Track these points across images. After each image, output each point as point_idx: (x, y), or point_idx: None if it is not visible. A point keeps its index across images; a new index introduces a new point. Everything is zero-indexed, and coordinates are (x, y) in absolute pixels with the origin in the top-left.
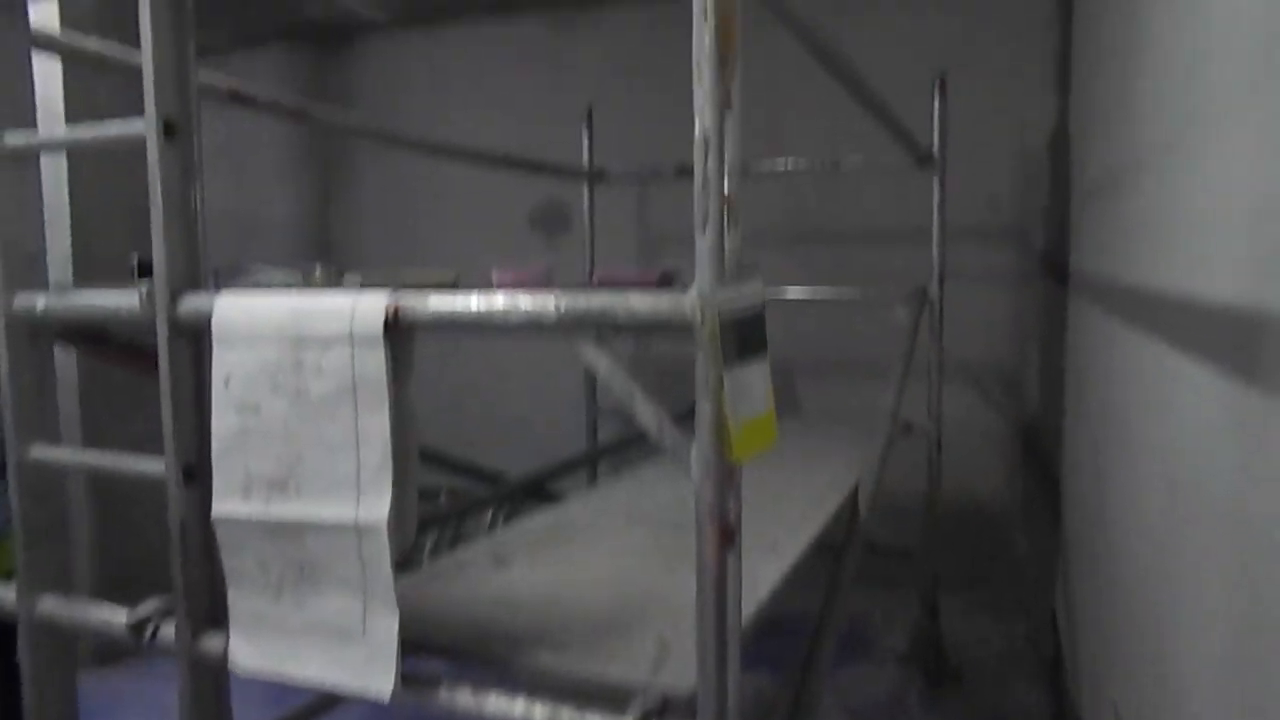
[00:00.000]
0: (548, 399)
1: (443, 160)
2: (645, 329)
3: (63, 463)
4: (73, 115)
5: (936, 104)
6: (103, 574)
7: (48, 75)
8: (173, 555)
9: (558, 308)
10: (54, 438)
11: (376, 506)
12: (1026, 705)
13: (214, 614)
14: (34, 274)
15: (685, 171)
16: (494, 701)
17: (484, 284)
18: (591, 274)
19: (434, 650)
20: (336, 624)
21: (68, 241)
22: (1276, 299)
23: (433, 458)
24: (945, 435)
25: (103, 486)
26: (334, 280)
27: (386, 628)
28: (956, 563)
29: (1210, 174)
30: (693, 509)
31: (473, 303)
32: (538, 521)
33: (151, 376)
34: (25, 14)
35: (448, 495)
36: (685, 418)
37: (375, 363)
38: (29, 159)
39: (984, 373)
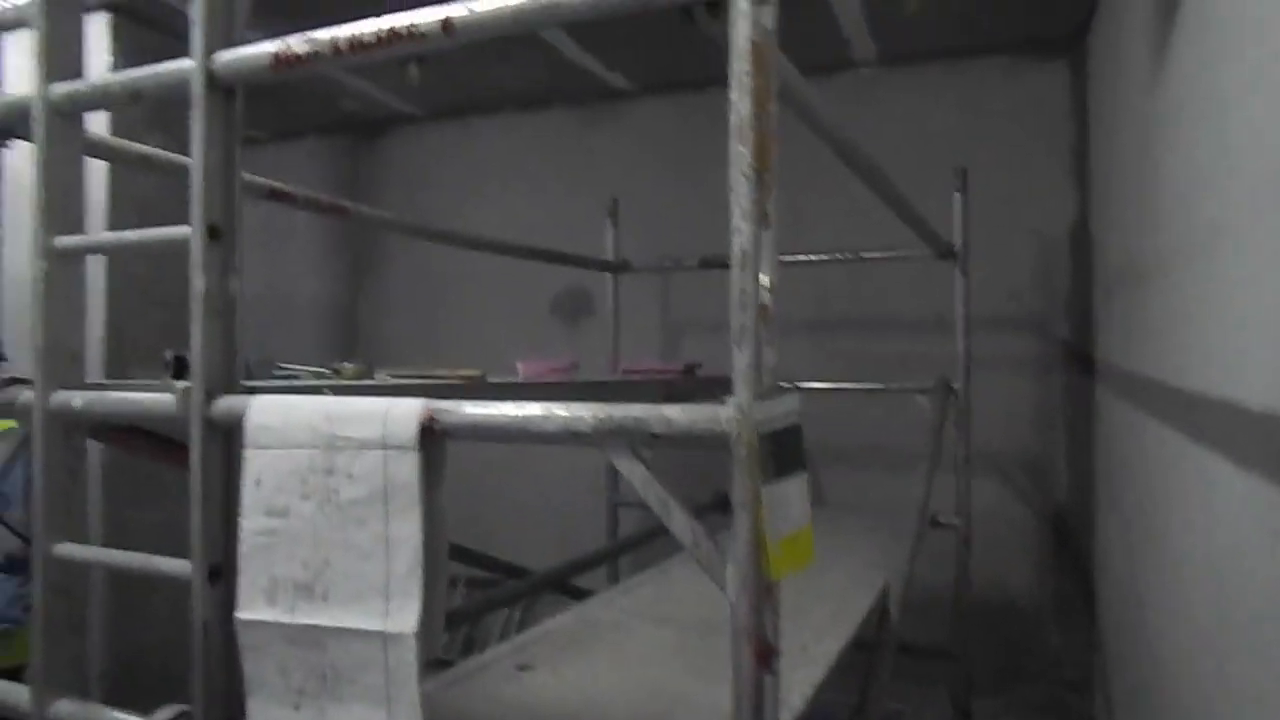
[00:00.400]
0: (566, 488)
1: (470, 250)
2: (681, 443)
3: (89, 560)
4: (116, 209)
5: (958, 198)
6: (113, 663)
7: (92, 174)
8: (193, 659)
9: (594, 417)
10: (80, 534)
11: (405, 615)
12: None
13: None
14: (75, 372)
15: (708, 263)
16: None
17: (509, 375)
18: (615, 364)
19: None
20: None
21: (100, 333)
22: None
23: (451, 548)
24: (972, 527)
25: (119, 577)
26: (365, 376)
27: None
28: (987, 660)
29: (1236, 280)
30: (722, 609)
31: (508, 411)
32: (561, 622)
33: (178, 468)
34: (80, 124)
35: (466, 585)
36: (710, 509)
37: (408, 469)
38: (78, 259)
39: (1009, 463)
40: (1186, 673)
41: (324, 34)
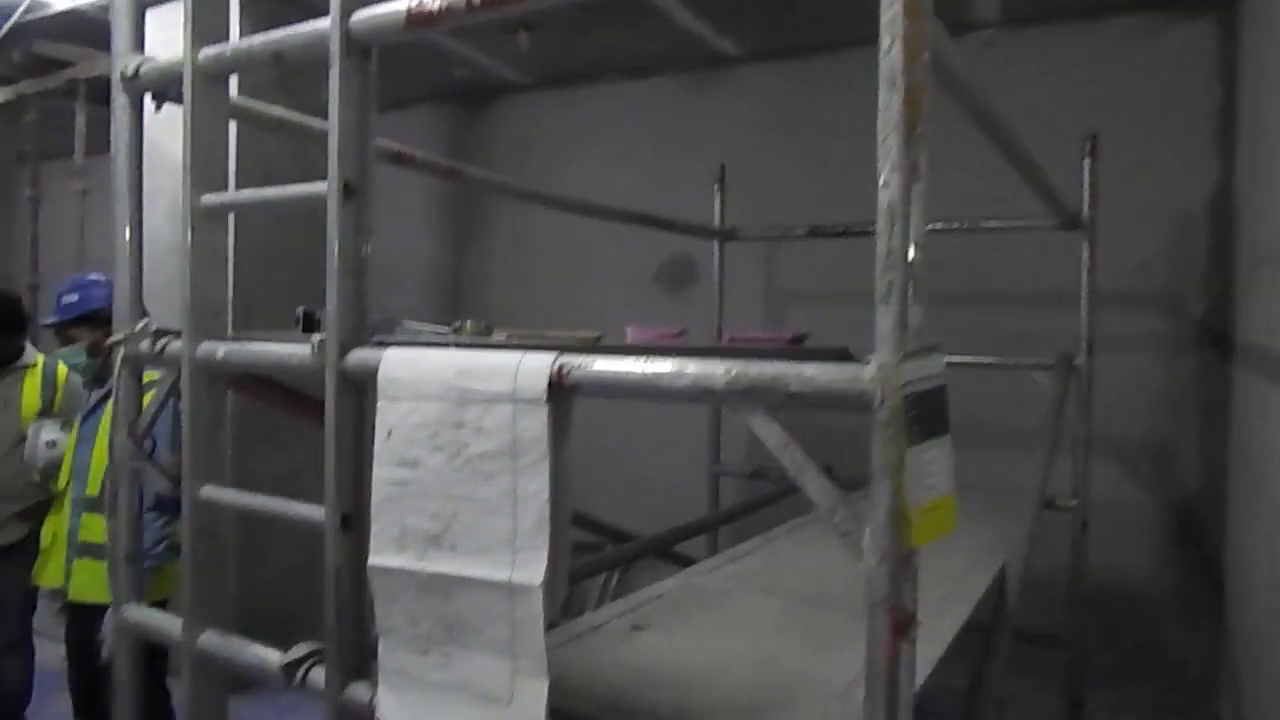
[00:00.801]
0: (666, 457)
1: (573, 216)
2: (819, 402)
3: (231, 503)
4: (242, 173)
5: (1087, 164)
6: (237, 604)
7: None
8: (326, 601)
9: (727, 375)
10: (222, 478)
11: (532, 568)
12: None
13: (360, 662)
14: (218, 325)
15: (817, 232)
16: None
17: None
18: (720, 333)
19: (564, 718)
20: (483, 685)
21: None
22: None
23: None
24: (1089, 512)
25: (243, 523)
26: (484, 334)
27: (535, 693)
28: (1102, 652)
29: None
30: (831, 581)
31: (639, 366)
32: (670, 586)
33: (308, 421)
34: (225, 87)
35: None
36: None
37: (537, 424)
38: (221, 218)
39: (1132, 447)
40: None
41: None
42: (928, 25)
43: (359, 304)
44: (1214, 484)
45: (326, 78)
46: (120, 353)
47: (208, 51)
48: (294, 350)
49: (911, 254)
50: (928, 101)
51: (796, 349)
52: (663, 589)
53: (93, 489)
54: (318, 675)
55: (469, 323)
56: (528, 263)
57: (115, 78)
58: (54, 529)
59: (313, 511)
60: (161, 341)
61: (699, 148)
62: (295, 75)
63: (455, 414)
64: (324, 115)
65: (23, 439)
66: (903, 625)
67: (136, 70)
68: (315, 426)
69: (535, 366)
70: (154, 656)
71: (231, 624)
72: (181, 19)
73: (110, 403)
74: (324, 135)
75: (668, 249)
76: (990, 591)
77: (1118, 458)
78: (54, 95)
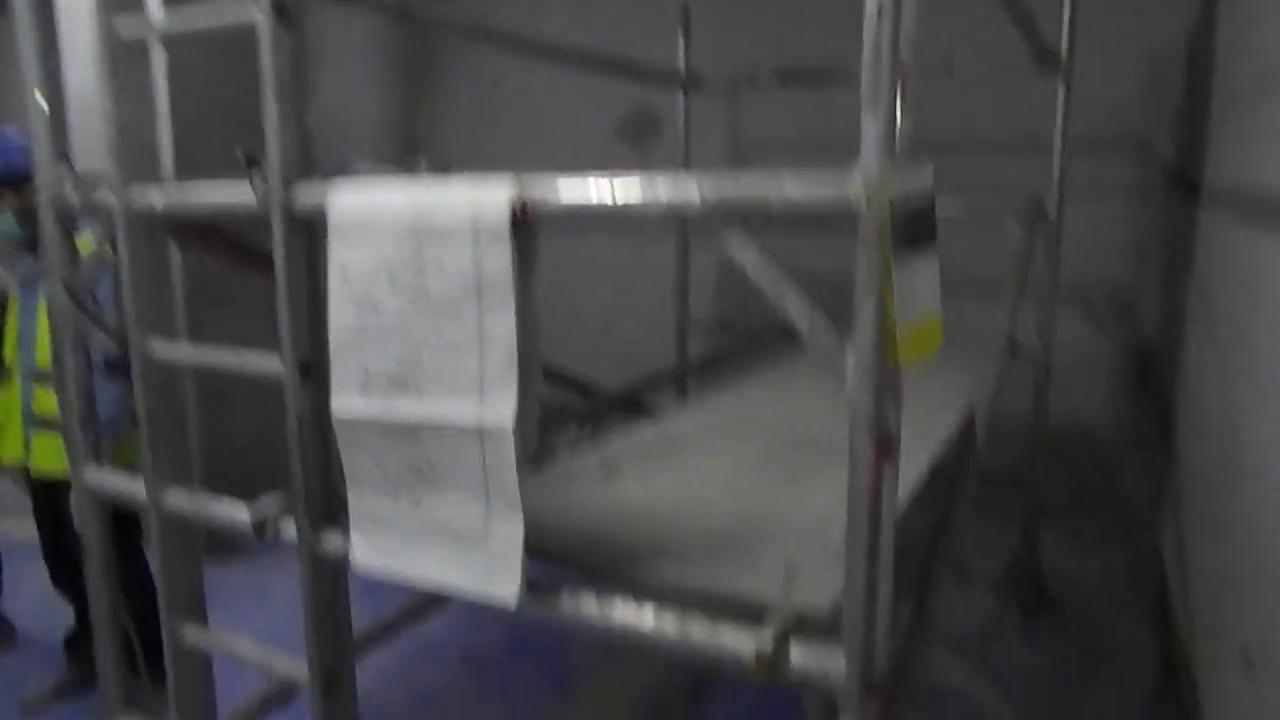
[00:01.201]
0: (634, 312)
1: (531, 64)
2: (801, 218)
3: (183, 360)
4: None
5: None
6: (202, 461)
7: None
8: (291, 452)
9: (702, 194)
10: (171, 333)
11: (501, 408)
12: (1127, 638)
13: (331, 512)
14: (149, 166)
15: (787, 77)
16: (621, 611)
17: None
18: None
19: (551, 559)
20: (457, 527)
21: (168, 137)
22: None
23: None
24: (1053, 359)
25: (203, 382)
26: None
27: (510, 533)
28: (1057, 491)
29: None
30: (804, 425)
31: (607, 191)
32: (643, 434)
33: (259, 274)
34: None
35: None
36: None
37: (501, 259)
38: (141, 49)
39: (1096, 294)
40: None
41: None
42: None
43: (302, 138)
44: (1172, 329)
45: None
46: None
47: None
48: (236, 191)
49: (902, 53)
50: None
51: None
52: (636, 436)
53: (42, 360)
54: (289, 528)
55: (423, 161)
56: (486, 118)
57: None
58: (5, 403)
59: (269, 362)
60: (88, 188)
61: None
62: None
63: (414, 253)
64: None
65: None
66: (886, 447)
67: None
68: (269, 281)
69: (497, 199)
70: (125, 524)
71: (196, 482)
72: None
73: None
74: None
75: (632, 99)
76: (959, 432)
77: (1083, 304)
78: None
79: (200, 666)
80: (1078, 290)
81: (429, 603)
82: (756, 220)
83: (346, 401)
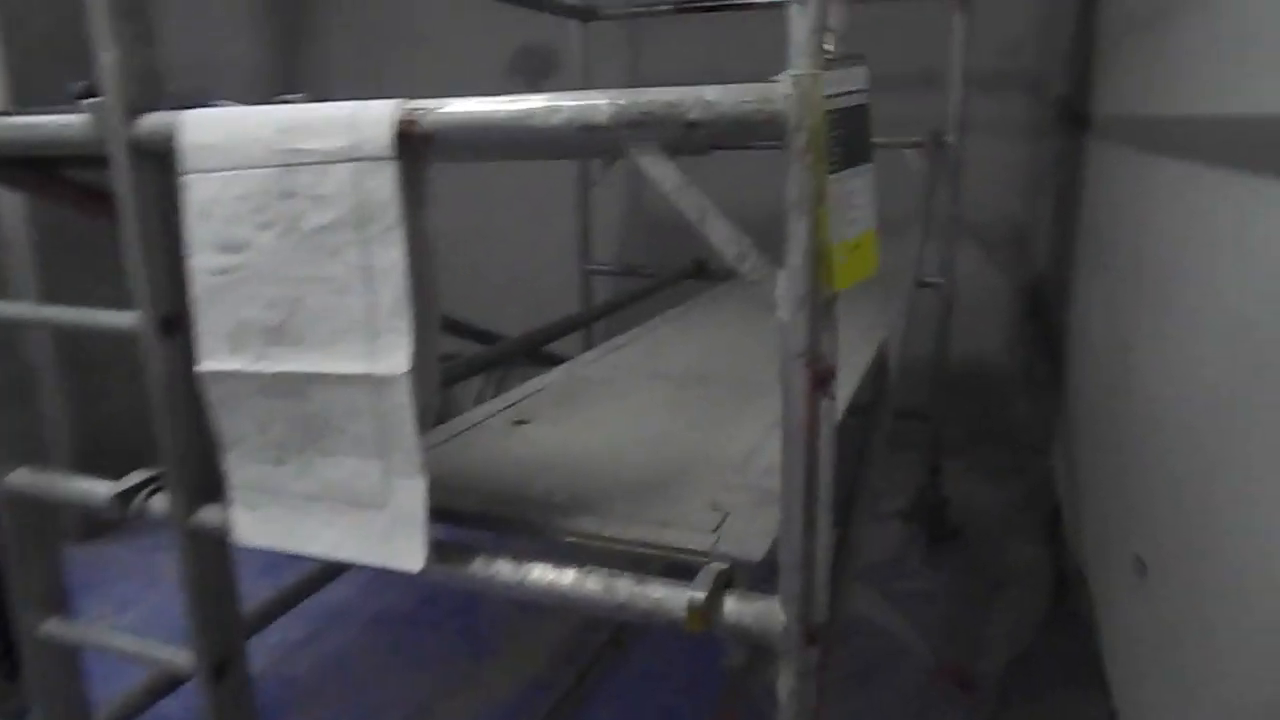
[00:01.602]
0: (537, 258)
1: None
2: (725, 130)
3: (17, 318)
4: None
5: None
6: (78, 438)
7: None
8: (158, 419)
9: (612, 105)
10: (5, 293)
11: (394, 355)
12: (1025, 559)
13: (209, 482)
14: None
15: (686, 7)
16: (539, 573)
17: None
18: None
19: (459, 518)
20: (352, 490)
21: None
22: None
23: None
24: (954, 294)
25: (77, 356)
26: None
27: (412, 492)
28: (956, 424)
29: None
30: (720, 363)
31: (504, 106)
32: (551, 378)
33: (111, 219)
34: None
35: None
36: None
37: (386, 184)
38: None
39: (991, 230)
40: (1184, 433)
41: None
42: None
43: (148, 58)
44: (1062, 262)
45: None
46: None
47: None
48: (70, 121)
49: None
50: None
51: None
52: (544, 382)
53: None
54: (160, 503)
55: (293, 95)
56: (373, 61)
57: None
58: None
59: (123, 318)
60: None
61: None
62: None
63: (284, 181)
64: None
65: None
66: (822, 379)
67: None
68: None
69: (377, 115)
70: None
71: (51, 460)
72: None
73: None
74: None
75: (525, 37)
76: (874, 364)
77: (980, 240)
78: None
79: (66, 661)
80: (977, 226)
81: (334, 568)
82: (673, 140)
83: (216, 358)
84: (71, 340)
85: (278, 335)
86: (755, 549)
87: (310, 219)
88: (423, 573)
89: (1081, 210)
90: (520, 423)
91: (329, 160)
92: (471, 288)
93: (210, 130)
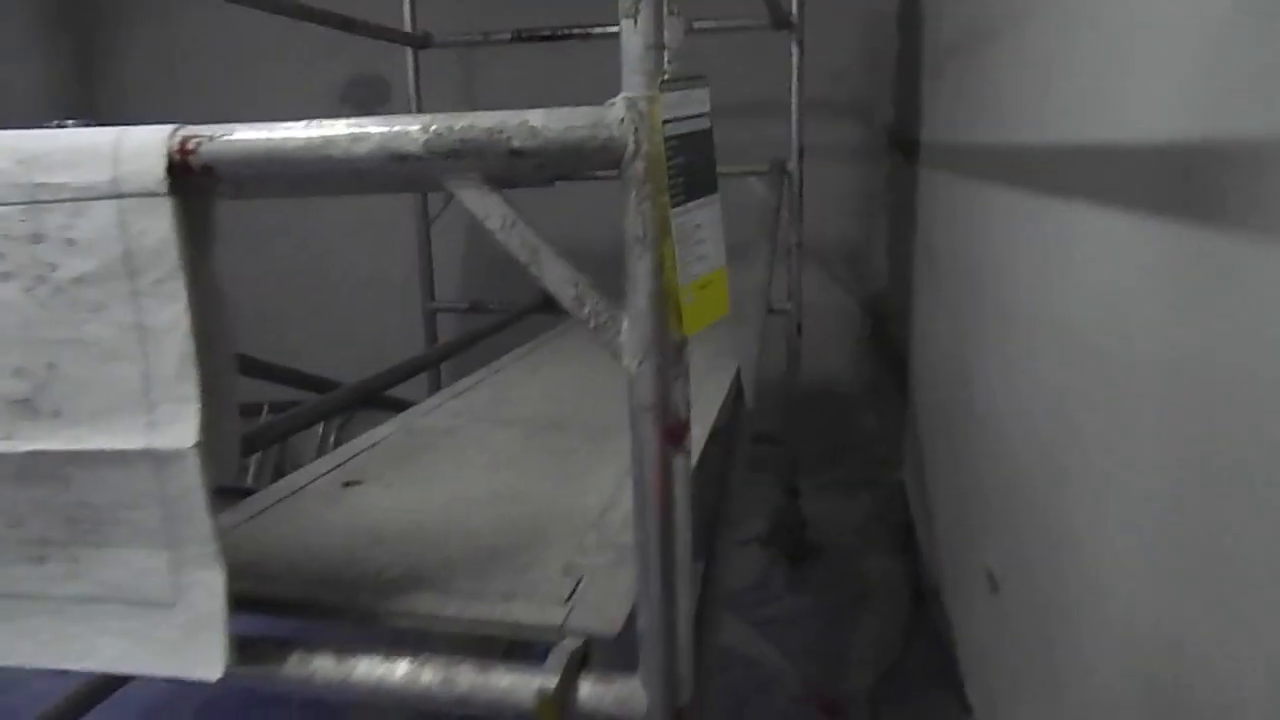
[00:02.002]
0: (378, 300)
1: (236, 29)
2: (554, 159)
3: None
4: None
5: None
6: None
7: None
8: None
9: (426, 131)
10: None
11: (179, 426)
12: (882, 573)
13: None
14: None
15: (521, 37)
16: (366, 667)
17: None
18: None
19: (276, 607)
20: (135, 589)
21: None
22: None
23: (244, 362)
24: (802, 316)
25: None
26: None
27: (208, 586)
28: (808, 443)
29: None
30: (570, 406)
31: (300, 134)
32: (387, 431)
33: None
34: None
35: (270, 410)
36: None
37: (159, 225)
38: None
39: (832, 252)
40: (1016, 413)
41: None
42: None
43: None
44: (901, 281)
45: None
46: None
47: None
48: None
49: None
50: None
51: None
52: (377, 436)
53: None
54: None
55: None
56: (182, 85)
57: None
58: None
59: None
60: None
61: None
62: None
63: (28, 223)
64: None
65: None
66: (675, 433)
67: None
68: None
69: (143, 143)
70: None
71: None
72: None
73: None
74: None
75: (355, 67)
76: (730, 393)
77: (823, 262)
78: None
79: None
80: (819, 249)
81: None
82: (497, 171)
83: None
84: None
85: (30, 409)
86: (613, 619)
87: (65, 269)
88: (225, 679)
89: (916, 231)
90: (351, 484)
91: (84, 197)
92: (307, 331)
93: None
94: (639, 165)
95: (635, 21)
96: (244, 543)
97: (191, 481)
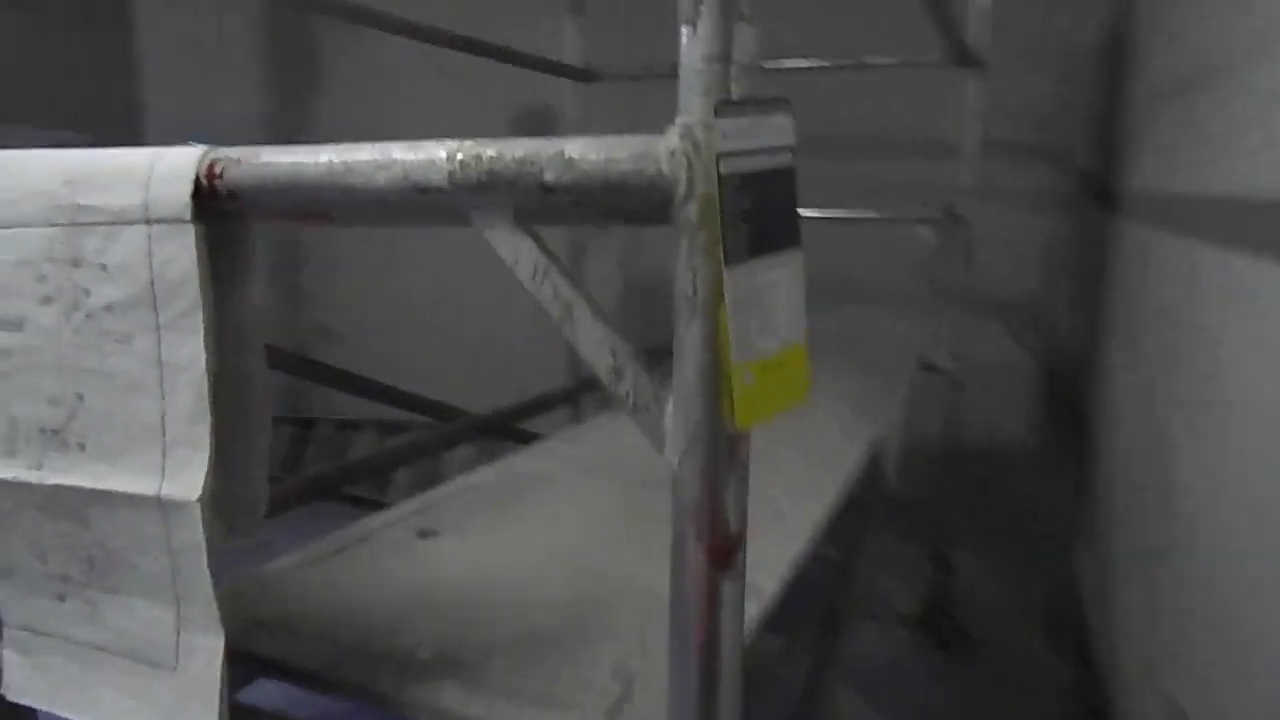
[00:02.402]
0: (518, 320)
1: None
2: (592, 196)
3: None
4: None
5: None
6: None
7: None
8: None
9: (453, 159)
10: None
11: (187, 474)
12: (1042, 676)
13: None
14: None
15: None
16: None
17: None
18: None
19: (292, 674)
20: (143, 644)
21: None
22: None
23: (364, 388)
24: (966, 374)
25: None
26: None
27: (207, 652)
28: (970, 515)
29: None
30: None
31: (323, 158)
32: (481, 477)
33: None
34: None
35: (377, 430)
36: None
37: (183, 254)
38: None
39: (1008, 306)
40: (1226, 533)
41: None
42: None
43: None
44: (1088, 341)
45: None
46: None
47: None
48: None
49: None
50: None
51: None
52: (471, 480)
53: None
54: None
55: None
56: (372, 119)
57: None
58: None
59: None
60: None
61: None
62: None
63: (70, 245)
64: None
65: None
66: (723, 551)
67: None
68: None
69: (175, 166)
70: None
71: None
72: None
73: None
74: None
75: (523, 99)
76: (865, 463)
77: (995, 316)
78: None
79: None
80: (992, 303)
81: None
82: (530, 208)
83: None
84: None
85: (60, 440)
86: None
87: (97, 295)
88: None
89: (1111, 291)
90: (426, 534)
91: (118, 221)
92: (440, 357)
93: None
94: (690, 209)
95: (695, 28)
96: (293, 589)
97: (194, 538)
